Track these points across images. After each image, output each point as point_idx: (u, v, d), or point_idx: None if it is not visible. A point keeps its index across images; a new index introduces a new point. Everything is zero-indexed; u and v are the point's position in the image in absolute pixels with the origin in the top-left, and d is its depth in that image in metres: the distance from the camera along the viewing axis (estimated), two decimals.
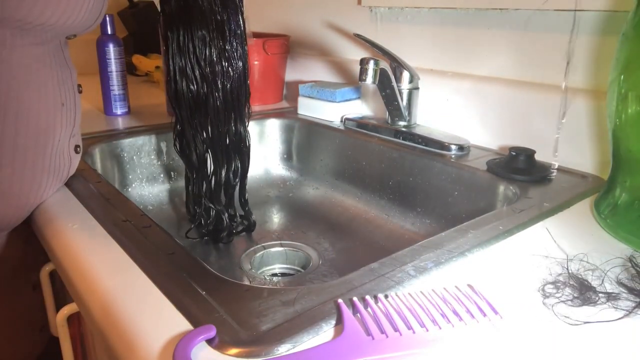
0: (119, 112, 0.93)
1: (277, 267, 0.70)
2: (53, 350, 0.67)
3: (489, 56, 0.74)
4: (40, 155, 0.53)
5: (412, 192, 0.73)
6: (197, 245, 0.69)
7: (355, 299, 0.36)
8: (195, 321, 0.34)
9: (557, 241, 0.47)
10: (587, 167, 0.64)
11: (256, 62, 1.01)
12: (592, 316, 0.36)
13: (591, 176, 0.62)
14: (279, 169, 0.93)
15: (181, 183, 0.84)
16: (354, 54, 0.96)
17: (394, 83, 0.75)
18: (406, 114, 0.78)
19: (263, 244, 0.71)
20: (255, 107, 1.03)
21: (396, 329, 0.33)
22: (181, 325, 0.33)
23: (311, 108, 0.93)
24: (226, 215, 0.65)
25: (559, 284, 0.40)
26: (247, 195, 0.68)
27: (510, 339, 0.33)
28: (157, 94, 1.18)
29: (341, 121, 0.88)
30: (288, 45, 1.06)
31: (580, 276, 0.41)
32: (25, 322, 0.65)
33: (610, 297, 0.38)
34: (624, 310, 0.37)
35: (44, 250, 0.53)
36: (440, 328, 0.33)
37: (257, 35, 1.07)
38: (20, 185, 0.52)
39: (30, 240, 0.62)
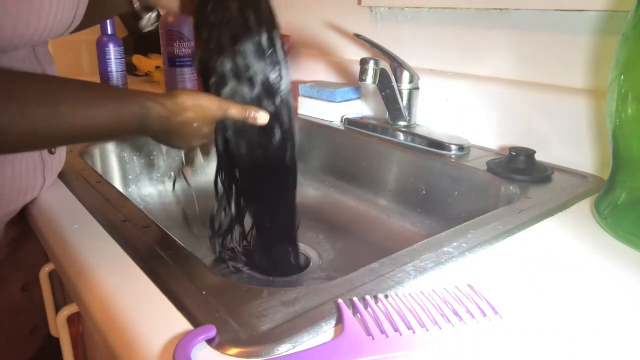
0: None
1: None
2: (48, 352, 0.66)
3: (489, 56, 0.74)
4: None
5: (412, 192, 0.73)
6: (197, 245, 0.69)
7: (355, 299, 0.36)
8: (195, 321, 0.34)
9: (558, 241, 0.47)
10: (587, 167, 0.64)
11: None
12: (592, 316, 0.36)
13: (591, 176, 0.62)
14: None
15: (180, 183, 0.84)
16: (354, 54, 0.96)
17: (394, 83, 0.75)
18: (406, 114, 0.78)
19: None
20: None
21: (396, 329, 0.33)
22: (181, 325, 0.33)
23: (311, 108, 0.93)
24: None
25: (559, 285, 0.40)
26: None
27: (510, 339, 0.33)
28: None
29: (341, 121, 0.88)
30: (288, 45, 1.06)
31: (579, 276, 0.41)
32: (14, 323, 0.64)
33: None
34: (623, 310, 0.37)
35: (38, 250, 0.53)
36: (440, 328, 0.33)
37: None
38: (11, 184, 0.52)
39: (20, 240, 0.62)
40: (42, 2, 0.43)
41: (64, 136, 0.42)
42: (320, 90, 0.91)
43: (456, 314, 0.35)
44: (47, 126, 0.40)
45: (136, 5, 0.57)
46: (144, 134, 0.45)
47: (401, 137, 0.78)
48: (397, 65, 0.76)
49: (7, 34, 0.42)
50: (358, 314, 0.35)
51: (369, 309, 0.35)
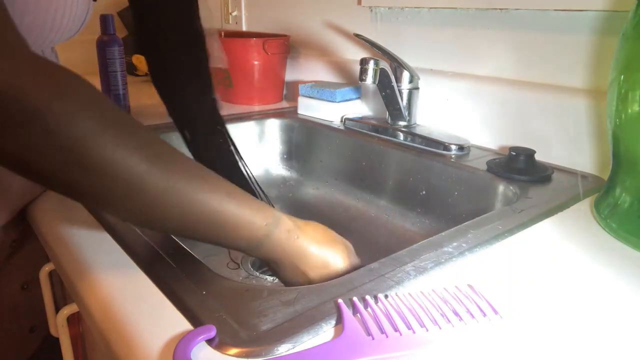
0: None
1: None
2: (47, 351, 0.66)
3: (489, 56, 0.74)
4: None
5: (412, 192, 0.73)
6: (197, 245, 0.69)
7: (355, 299, 0.36)
8: (195, 321, 0.34)
9: (558, 241, 0.47)
10: (587, 167, 0.64)
11: (256, 62, 1.01)
12: (592, 316, 0.36)
13: (591, 176, 0.62)
14: (279, 169, 0.93)
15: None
16: (354, 54, 0.96)
17: (394, 83, 0.75)
18: (406, 114, 0.78)
19: None
20: (255, 107, 1.04)
21: (396, 329, 0.33)
22: (181, 325, 0.33)
23: (311, 108, 0.93)
24: None
25: (559, 285, 0.40)
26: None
27: (510, 339, 0.33)
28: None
29: (341, 121, 0.88)
30: (288, 45, 1.06)
31: (579, 276, 0.41)
32: (13, 322, 0.64)
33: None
34: (623, 310, 0.37)
35: (39, 251, 0.52)
36: (440, 328, 0.33)
37: (257, 35, 1.07)
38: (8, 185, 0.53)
39: (22, 240, 0.62)
40: None
41: (186, 221, 0.38)
42: (320, 90, 0.91)
43: (456, 314, 0.35)
44: (181, 204, 0.36)
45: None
46: (267, 254, 0.42)
47: (401, 137, 0.78)
48: (397, 65, 0.76)
49: (30, 19, 0.42)
50: (358, 314, 0.35)
51: (369, 309, 0.35)
